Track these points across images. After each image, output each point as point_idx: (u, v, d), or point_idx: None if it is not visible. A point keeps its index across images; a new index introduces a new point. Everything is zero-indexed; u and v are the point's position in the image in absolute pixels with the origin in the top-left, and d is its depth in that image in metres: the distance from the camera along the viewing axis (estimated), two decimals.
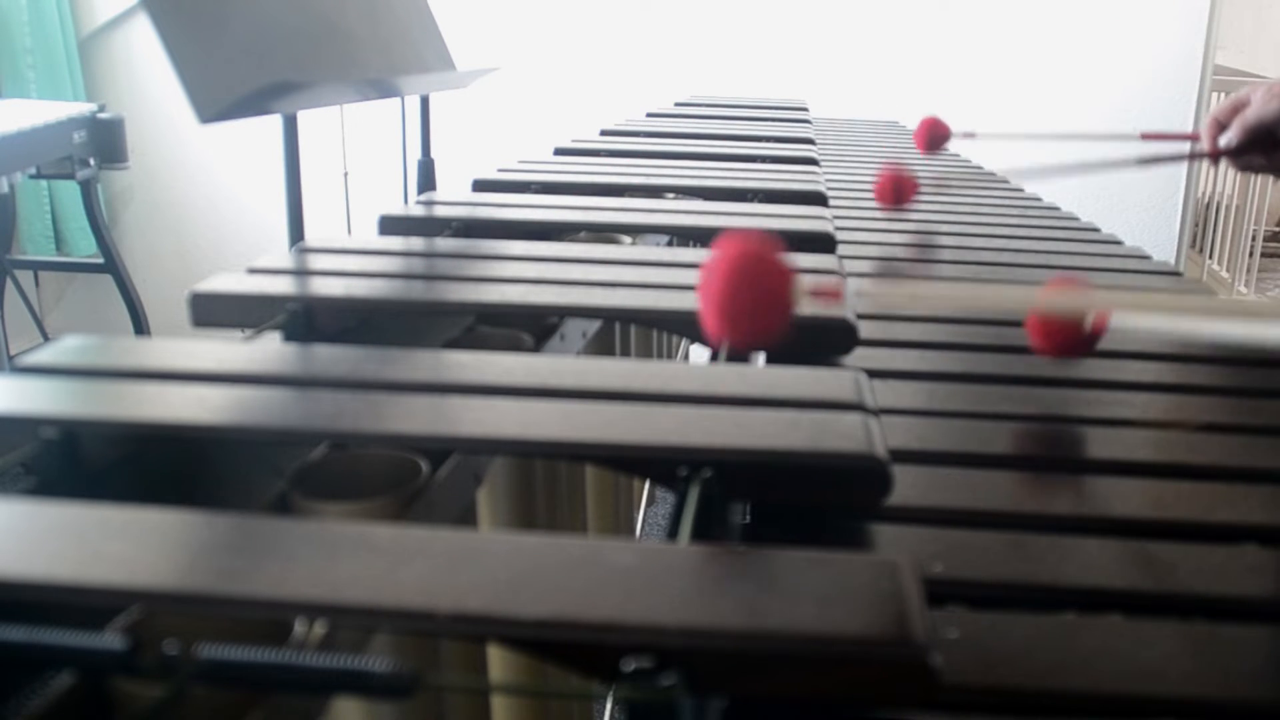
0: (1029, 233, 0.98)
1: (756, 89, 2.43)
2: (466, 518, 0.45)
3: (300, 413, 0.40)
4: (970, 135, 1.20)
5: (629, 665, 0.24)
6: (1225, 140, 0.97)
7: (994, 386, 0.55)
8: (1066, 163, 1.26)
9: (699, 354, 0.54)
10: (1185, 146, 1.07)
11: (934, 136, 1.19)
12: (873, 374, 0.45)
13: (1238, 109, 0.97)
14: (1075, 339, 0.55)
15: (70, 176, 2.26)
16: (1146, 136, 1.14)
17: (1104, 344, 0.63)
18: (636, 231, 0.77)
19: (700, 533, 0.33)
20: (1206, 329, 0.53)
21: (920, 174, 1.07)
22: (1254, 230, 3.46)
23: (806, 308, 0.42)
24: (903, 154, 1.48)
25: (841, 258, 0.69)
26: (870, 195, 1.11)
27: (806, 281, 0.43)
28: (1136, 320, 0.56)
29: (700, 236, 0.75)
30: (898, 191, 1.00)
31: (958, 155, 1.51)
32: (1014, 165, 1.18)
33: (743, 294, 0.42)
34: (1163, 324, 0.55)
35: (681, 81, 2.50)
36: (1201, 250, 3.48)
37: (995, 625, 0.33)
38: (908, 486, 0.41)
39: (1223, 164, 1.03)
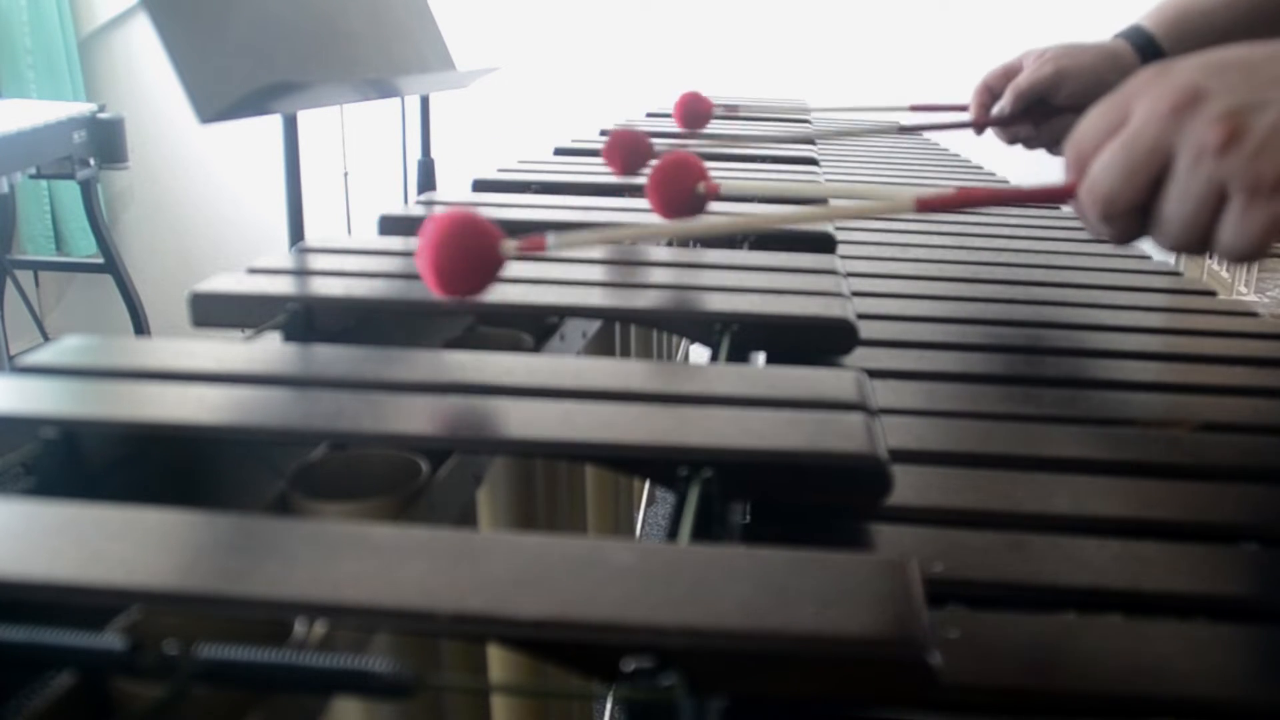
0: (1029, 233, 0.97)
1: (756, 89, 2.43)
2: (466, 518, 0.45)
3: (300, 413, 0.40)
4: (733, 108, 1.16)
5: (629, 665, 0.24)
6: (999, 108, 0.94)
7: (994, 386, 0.55)
8: (829, 129, 1.26)
9: (699, 354, 0.55)
10: (952, 116, 1.00)
11: (694, 114, 1.16)
12: (873, 374, 0.45)
13: (1010, 76, 0.93)
14: (688, 201, 0.66)
15: (70, 176, 2.26)
16: (915, 108, 1.11)
17: (1103, 344, 0.64)
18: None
19: (700, 533, 0.33)
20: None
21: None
22: None
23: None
24: (904, 152, 1.48)
25: (843, 257, 0.69)
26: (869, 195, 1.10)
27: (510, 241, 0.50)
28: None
29: (700, 237, 0.75)
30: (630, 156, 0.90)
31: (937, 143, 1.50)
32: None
33: (453, 253, 0.49)
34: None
35: (681, 81, 2.50)
36: None
37: (995, 625, 0.33)
38: (908, 486, 0.41)
39: (988, 135, 0.99)
